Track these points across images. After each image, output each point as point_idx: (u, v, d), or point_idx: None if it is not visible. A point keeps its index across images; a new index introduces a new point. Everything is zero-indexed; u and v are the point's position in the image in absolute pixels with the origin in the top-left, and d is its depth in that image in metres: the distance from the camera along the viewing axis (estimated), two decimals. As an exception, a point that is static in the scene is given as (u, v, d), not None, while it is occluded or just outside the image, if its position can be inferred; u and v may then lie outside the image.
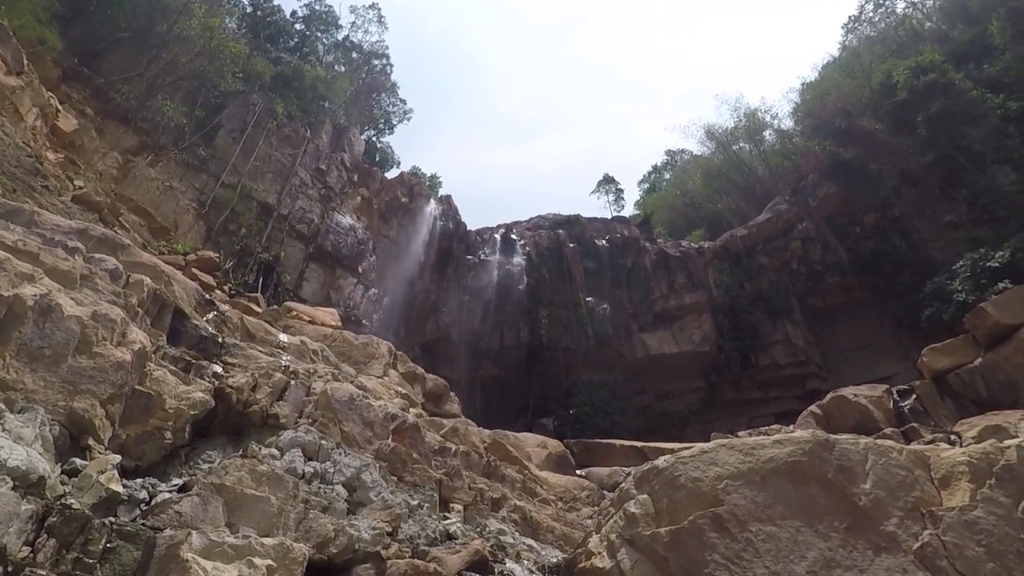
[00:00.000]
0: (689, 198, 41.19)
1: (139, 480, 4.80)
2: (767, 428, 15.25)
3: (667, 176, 49.27)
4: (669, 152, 50.09)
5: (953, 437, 10.59)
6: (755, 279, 30.35)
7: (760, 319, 28.89)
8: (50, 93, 17.74)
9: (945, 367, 14.41)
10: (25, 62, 16.12)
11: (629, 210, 46.24)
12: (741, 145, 39.04)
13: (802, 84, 37.89)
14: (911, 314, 24.33)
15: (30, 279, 4.87)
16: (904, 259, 26.72)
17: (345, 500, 5.70)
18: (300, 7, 36.50)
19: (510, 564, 5.75)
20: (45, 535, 3.57)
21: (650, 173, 51.43)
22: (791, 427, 14.21)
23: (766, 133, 38.34)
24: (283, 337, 9.40)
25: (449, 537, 6.12)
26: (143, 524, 4.11)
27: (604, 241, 32.64)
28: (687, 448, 5.00)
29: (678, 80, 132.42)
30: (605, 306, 29.74)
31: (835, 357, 28.24)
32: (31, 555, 3.47)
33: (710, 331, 29.06)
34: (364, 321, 25.48)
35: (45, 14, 19.66)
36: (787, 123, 37.90)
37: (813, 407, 15.40)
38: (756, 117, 38.21)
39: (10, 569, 3.35)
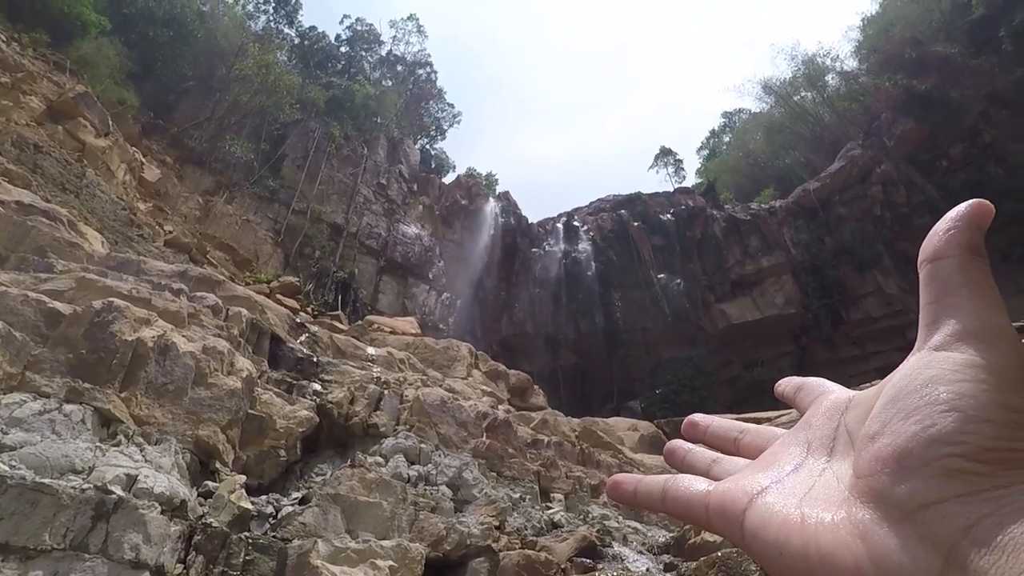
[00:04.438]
0: (753, 158, 39.48)
1: (263, 496, 5.19)
2: (868, 384, 14.44)
3: (726, 139, 47.39)
4: (726, 114, 48.18)
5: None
6: (835, 232, 28.78)
7: (846, 273, 27.40)
8: (133, 148, 19.26)
9: (1067, 300, 13.19)
10: (110, 123, 17.57)
11: (691, 180, 44.88)
12: (802, 95, 36.94)
13: (863, 19, 35.45)
14: (1018, 245, 22.37)
15: (147, 323, 5.34)
16: (1003, 187, 24.52)
17: (451, 499, 5.92)
18: (343, 30, 37.76)
19: (617, 547, 5.79)
20: (194, 552, 3.94)
21: (708, 139, 49.67)
22: (896, 383, 13.39)
23: (828, 78, 36.10)
24: (371, 350, 9.81)
25: (554, 526, 6.22)
26: (274, 536, 4.45)
27: (669, 215, 31.88)
28: (784, 414, 4.84)
29: (727, 40, 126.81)
30: (679, 281, 29.08)
31: (936, 303, 26.32)
32: (184, 571, 3.85)
33: (793, 292, 27.86)
34: (441, 325, 26.11)
35: (121, 75, 21.40)
36: (850, 64, 35.63)
37: (918, 359, 14.45)
38: (815, 63, 36.02)
39: (169, 585, 3.73)
